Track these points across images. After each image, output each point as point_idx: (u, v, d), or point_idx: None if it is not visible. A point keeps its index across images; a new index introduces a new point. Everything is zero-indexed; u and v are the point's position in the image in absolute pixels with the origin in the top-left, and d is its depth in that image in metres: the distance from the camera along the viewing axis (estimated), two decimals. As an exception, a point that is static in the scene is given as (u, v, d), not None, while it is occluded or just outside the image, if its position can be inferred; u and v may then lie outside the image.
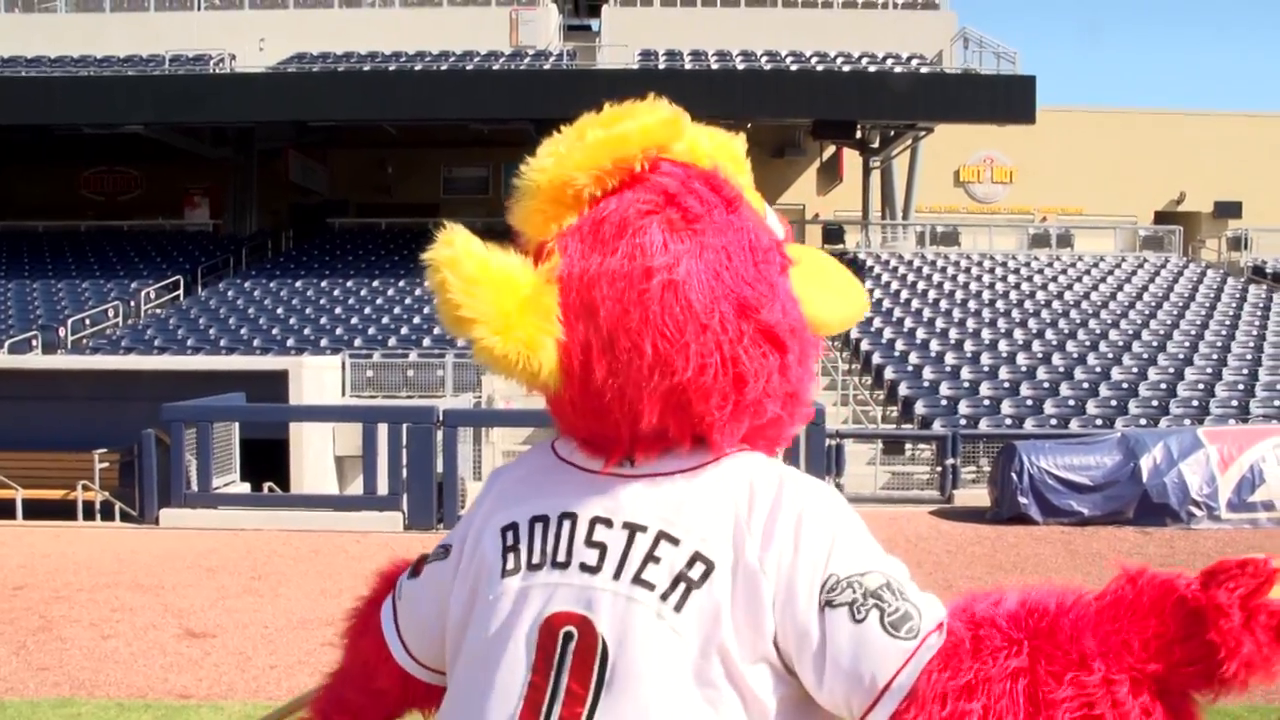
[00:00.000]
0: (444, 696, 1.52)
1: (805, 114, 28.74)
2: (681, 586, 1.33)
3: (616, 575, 1.36)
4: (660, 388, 1.35)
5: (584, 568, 1.37)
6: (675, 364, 1.34)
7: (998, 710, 1.26)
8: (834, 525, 1.37)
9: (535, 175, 1.40)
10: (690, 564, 1.34)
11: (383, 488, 12.92)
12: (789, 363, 1.42)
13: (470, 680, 1.42)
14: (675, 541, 1.35)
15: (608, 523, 1.39)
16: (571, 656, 1.34)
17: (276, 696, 6.48)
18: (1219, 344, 23.16)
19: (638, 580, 1.35)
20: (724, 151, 1.54)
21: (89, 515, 14.55)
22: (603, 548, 1.38)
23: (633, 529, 1.37)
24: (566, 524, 1.41)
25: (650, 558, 1.35)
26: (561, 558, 1.39)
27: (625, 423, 1.39)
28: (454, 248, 1.34)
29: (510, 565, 1.41)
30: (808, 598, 1.32)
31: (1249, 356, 22.31)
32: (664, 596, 1.33)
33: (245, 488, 14.33)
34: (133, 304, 25.63)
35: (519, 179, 1.42)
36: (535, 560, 1.40)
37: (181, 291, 26.95)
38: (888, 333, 23.57)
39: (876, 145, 32.41)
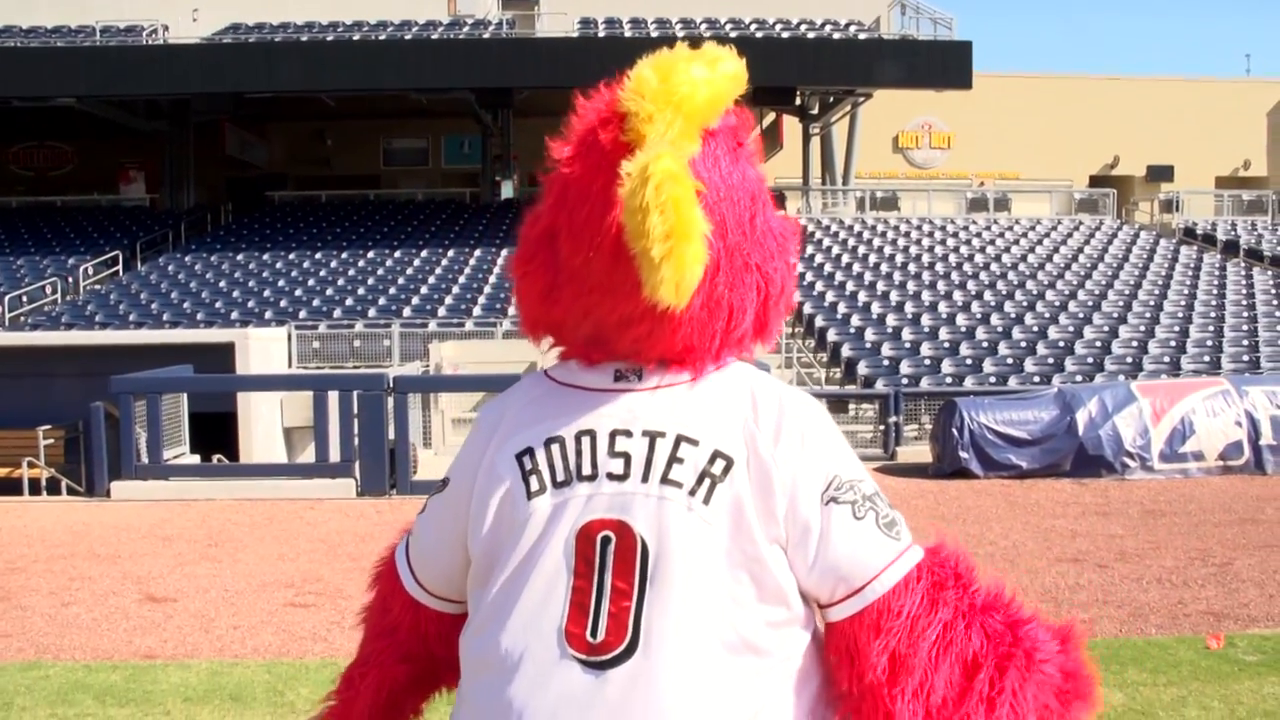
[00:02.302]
0: (466, 622, 1.64)
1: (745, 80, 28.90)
2: (707, 482, 1.50)
3: (645, 479, 1.51)
4: (757, 299, 1.57)
5: (611, 476, 1.52)
6: (771, 278, 1.59)
7: (956, 633, 1.52)
8: (833, 434, 1.59)
9: (695, 89, 1.45)
10: (712, 461, 1.50)
11: (335, 455, 12.98)
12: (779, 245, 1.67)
13: (509, 595, 1.53)
14: (694, 443, 1.52)
15: (627, 433, 1.54)
16: (613, 557, 1.49)
17: (242, 655, 6.60)
18: (1152, 303, 23.74)
19: (666, 480, 1.50)
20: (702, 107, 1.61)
21: (34, 492, 14.46)
22: (626, 456, 1.52)
23: (652, 436, 1.53)
24: (585, 440, 1.54)
25: (674, 459, 1.51)
26: (587, 471, 1.53)
27: (721, 333, 1.55)
28: (674, 160, 1.40)
29: (535, 487, 1.54)
30: (813, 491, 1.52)
31: (1180, 315, 22.90)
32: (692, 492, 1.49)
33: (195, 460, 14.32)
34: (71, 280, 25.28)
35: (664, 84, 1.45)
36: (560, 478, 1.53)
37: (120, 267, 26.61)
38: (830, 296, 23.88)
39: (816, 112, 32.68)
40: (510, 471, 1.56)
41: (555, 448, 1.55)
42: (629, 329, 1.54)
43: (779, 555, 1.51)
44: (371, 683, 1.74)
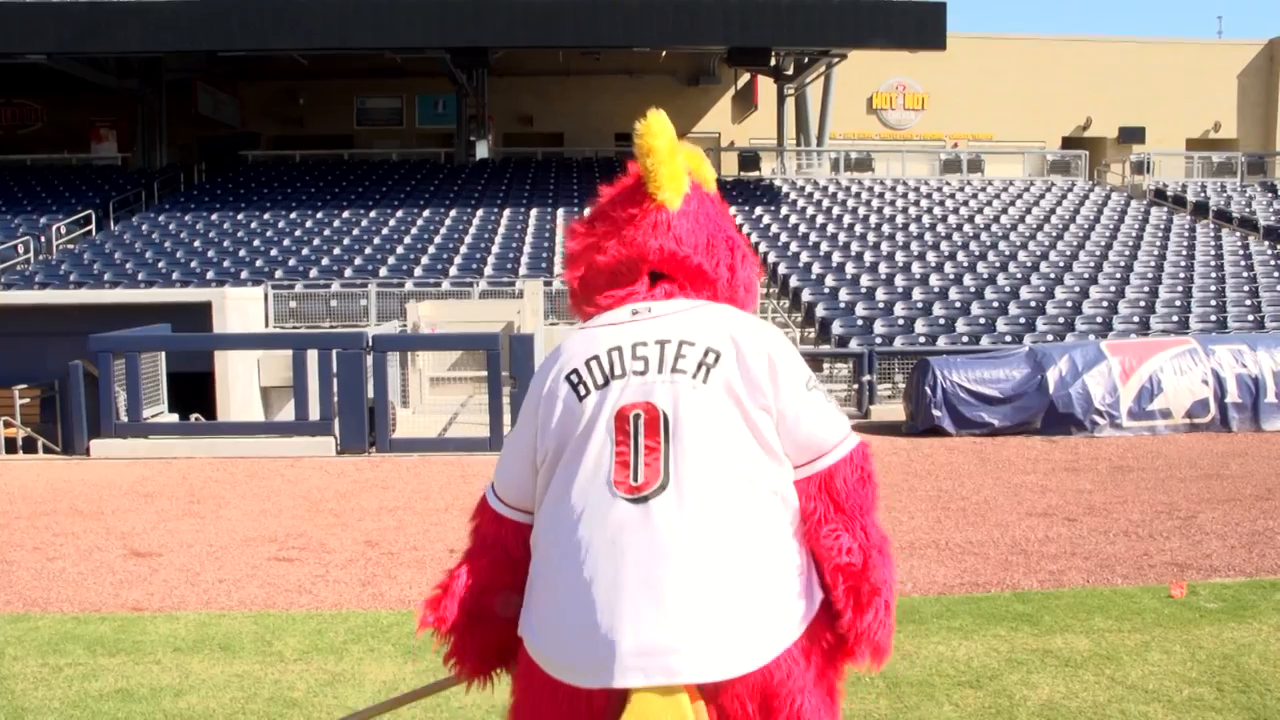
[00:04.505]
0: (536, 511, 2.24)
1: (720, 41, 28.84)
2: (704, 369, 2.16)
3: (660, 370, 2.17)
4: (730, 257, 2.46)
5: (635, 373, 2.18)
6: (736, 244, 2.48)
7: (876, 500, 2.24)
8: (794, 349, 2.27)
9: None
10: (706, 354, 2.17)
11: (314, 413, 13.04)
12: (750, 280, 2.50)
13: (571, 466, 2.15)
14: (692, 344, 2.18)
15: (644, 344, 2.20)
16: (643, 428, 2.12)
17: (229, 608, 6.70)
18: (1122, 263, 23.97)
19: (675, 370, 2.16)
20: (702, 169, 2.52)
21: (10, 451, 14.48)
22: (645, 359, 2.19)
23: (662, 343, 2.20)
24: (615, 353, 2.21)
25: (679, 355, 2.17)
26: (619, 372, 2.18)
27: (695, 251, 2.37)
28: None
29: (583, 392, 2.19)
30: (798, 384, 2.19)
31: (1150, 275, 23.15)
32: (694, 376, 2.15)
33: (174, 419, 14.35)
34: (43, 239, 25.08)
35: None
36: (600, 382, 2.19)
37: (93, 226, 26.43)
38: (804, 257, 24.01)
39: (791, 72, 32.65)
40: (565, 387, 2.22)
41: (594, 362, 2.21)
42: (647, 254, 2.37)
43: (767, 419, 2.15)
44: (464, 568, 2.36)
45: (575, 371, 2.20)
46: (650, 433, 2.10)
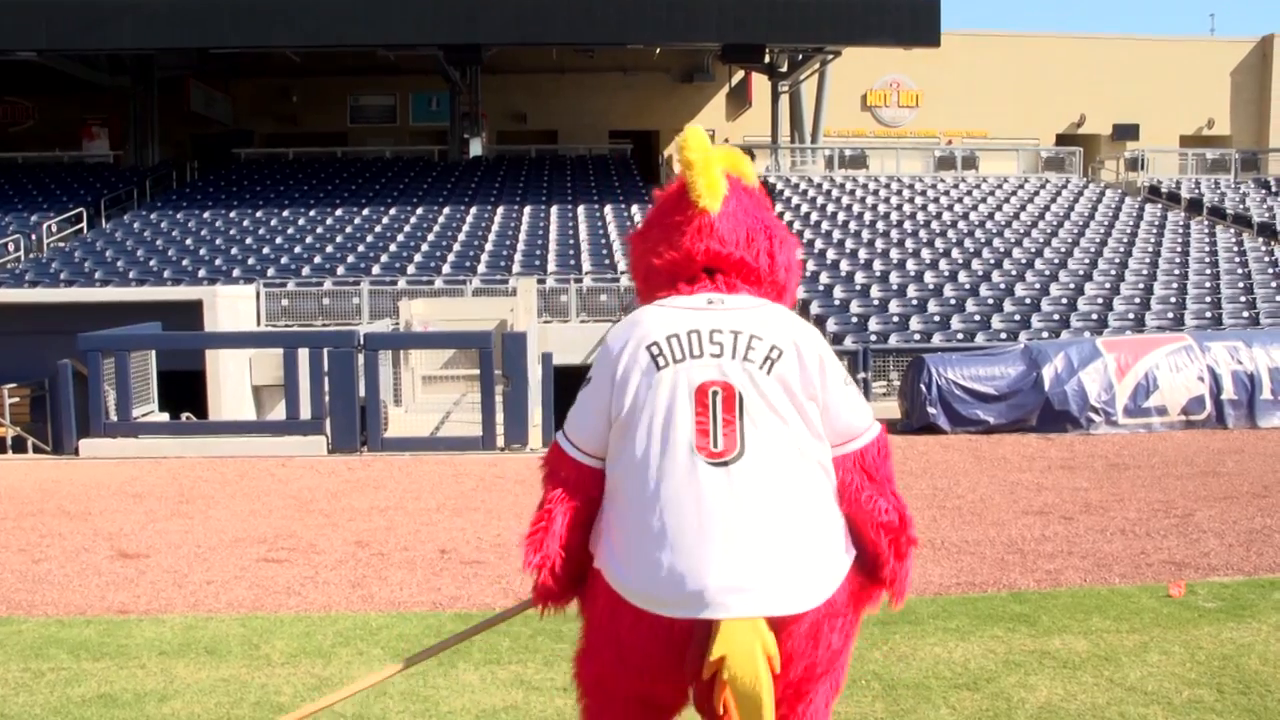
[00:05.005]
0: (612, 461, 2.61)
1: (714, 38, 28.76)
2: (769, 361, 2.55)
3: (734, 356, 2.55)
4: (750, 228, 2.81)
5: (713, 355, 2.56)
6: (774, 233, 2.85)
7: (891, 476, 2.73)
8: (834, 353, 2.72)
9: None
10: (771, 350, 2.57)
11: (305, 412, 12.95)
12: (790, 261, 2.89)
13: (654, 429, 2.53)
14: (761, 339, 2.58)
15: (720, 331, 2.58)
16: (721, 403, 2.52)
17: (216, 610, 6.61)
18: (1117, 260, 23.94)
19: (746, 359, 2.55)
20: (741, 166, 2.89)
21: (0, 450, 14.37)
22: (721, 344, 2.56)
23: (735, 333, 2.58)
24: (694, 335, 2.58)
25: (749, 346, 2.56)
26: (696, 352, 2.56)
27: (736, 247, 2.75)
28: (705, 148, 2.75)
29: (661, 364, 2.56)
30: (839, 381, 2.63)
31: (1145, 272, 23.11)
32: (760, 366, 2.55)
33: (164, 418, 14.25)
34: (34, 237, 24.98)
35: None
36: (678, 357, 2.56)
37: (85, 224, 26.32)
38: (798, 254, 23.90)
39: (785, 69, 32.57)
40: (644, 356, 2.58)
41: (674, 339, 2.58)
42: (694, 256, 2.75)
43: (814, 407, 2.58)
44: (558, 509, 2.67)
45: (655, 344, 2.57)
46: (727, 408, 2.51)
